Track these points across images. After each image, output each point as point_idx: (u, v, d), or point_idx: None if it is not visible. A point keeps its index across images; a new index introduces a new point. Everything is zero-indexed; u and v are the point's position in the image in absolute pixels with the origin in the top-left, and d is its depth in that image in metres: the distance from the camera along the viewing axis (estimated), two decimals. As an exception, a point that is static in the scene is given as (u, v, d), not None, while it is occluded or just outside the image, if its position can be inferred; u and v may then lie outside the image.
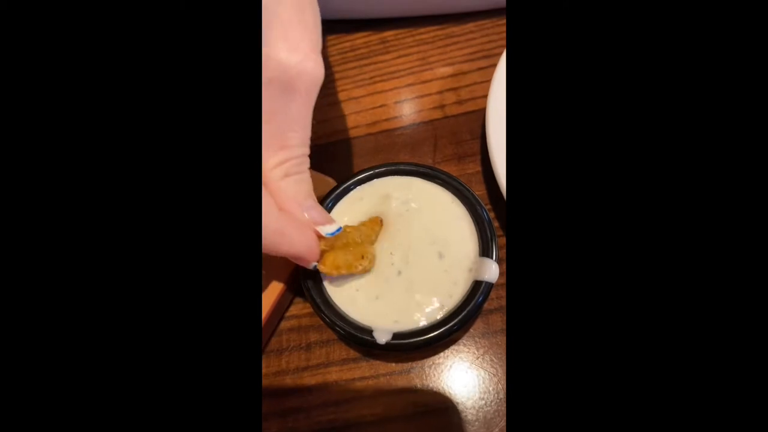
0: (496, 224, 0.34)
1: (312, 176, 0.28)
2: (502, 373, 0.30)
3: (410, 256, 0.29)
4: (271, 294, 0.31)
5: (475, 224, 0.30)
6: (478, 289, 0.28)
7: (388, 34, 0.46)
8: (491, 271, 0.28)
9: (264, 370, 0.32)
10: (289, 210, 0.26)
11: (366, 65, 0.45)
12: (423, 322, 0.28)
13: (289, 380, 0.31)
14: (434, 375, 0.31)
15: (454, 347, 0.31)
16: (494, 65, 0.38)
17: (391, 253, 0.30)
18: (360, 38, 0.46)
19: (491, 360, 0.31)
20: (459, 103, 0.42)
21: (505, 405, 0.29)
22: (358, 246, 0.29)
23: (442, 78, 0.43)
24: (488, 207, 0.35)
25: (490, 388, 0.30)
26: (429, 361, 0.31)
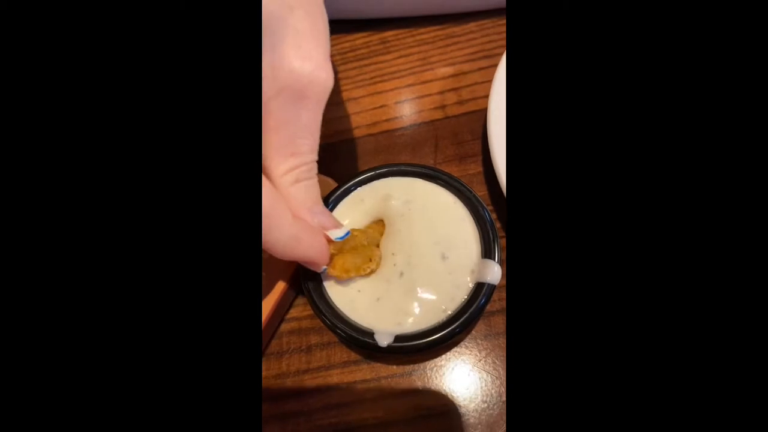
0: (498, 225, 0.34)
1: None
2: (504, 375, 0.30)
3: (412, 258, 0.29)
4: (272, 296, 0.31)
5: (477, 225, 0.30)
6: (481, 291, 0.28)
7: (389, 34, 0.46)
8: (494, 273, 0.28)
9: (264, 373, 0.31)
10: (300, 215, 0.26)
11: (366, 65, 0.44)
12: (425, 325, 0.28)
13: (289, 383, 0.31)
14: (436, 378, 0.31)
15: (456, 350, 0.31)
16: (495, 65, 0.37)
17: (393, 254, 0.29)
18: (360, 38, 0.46)
19: (493, 362, 0.31)
20: (460, 103, 0.41)
21: (507, 408, 0.29)
22: (366, 248, 0.29)
23: (443, 78, 0.43)
24: (490, 208, 0.35)
25: (493, 391, 0.30)
26: (431, 364, 0.31)
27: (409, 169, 0.32)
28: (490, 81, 0.37)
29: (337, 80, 0.44)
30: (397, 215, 0.31)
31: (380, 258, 0.29)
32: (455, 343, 0.31)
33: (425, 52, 0.45)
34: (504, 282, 0.32)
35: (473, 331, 0.32)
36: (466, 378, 0.30)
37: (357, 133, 0.41)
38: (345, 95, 0.43)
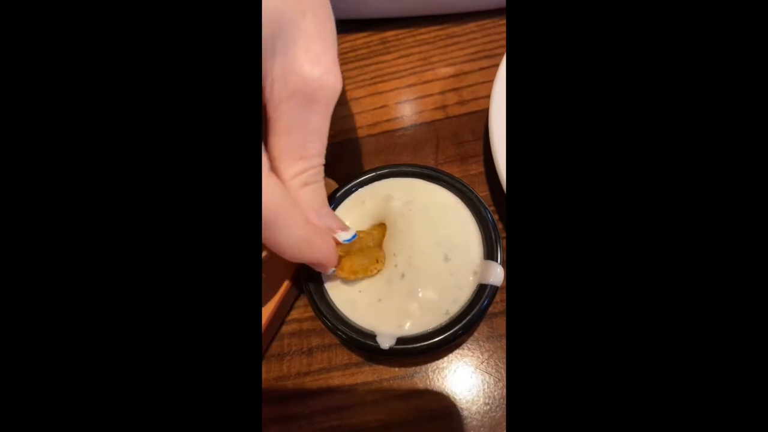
0: (500, 226, 0.34)
1: None
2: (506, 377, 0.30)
3: (414, 259, 0.29)
4: (272, 298, 0.30)
5: (479, 226, 0.30)
6: (483, 293, 0.27)
7: (389, 34, 0.46)
8: (496, 274, 0.28)
9: (264, 375, 0.31)
10: (308, 218, 0.26)
11: (366, 66, 0.44)
12: (426, 326, 0.27)
13: (290, 385, 0.31)
14: (438, 380, 0.30)
15: (458, 351, 0.31)
16: (496, 65, 0.37)
17: (394, 255, 0.29)
18: (360, 38, 0.46)
19: (496, 364, 0.30)
20: (461, 103, 0.41)
21: (510, 410, 0.29)
22: (371, 250, 0.29)
23: (444, 78, 0.43)
24: (492, 209, 0.35)
25: (495, 393, 0.30)
26: (433, 366, 0.31)
27: (410, 169, 0.32)
28: (491, 81, 0.36)
29: (337, 81, 0.44)
30: (398, 216, 0.30)
31: (385, 259, 0.30)
32: (457, 345, 0.31)
33: (426, 52, 0.44)
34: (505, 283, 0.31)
35: (475, 333, 0.31)
36: (468, 380, 0.30)
37: (358, 133, 0.41)
38: (345, 96, 0.43)
